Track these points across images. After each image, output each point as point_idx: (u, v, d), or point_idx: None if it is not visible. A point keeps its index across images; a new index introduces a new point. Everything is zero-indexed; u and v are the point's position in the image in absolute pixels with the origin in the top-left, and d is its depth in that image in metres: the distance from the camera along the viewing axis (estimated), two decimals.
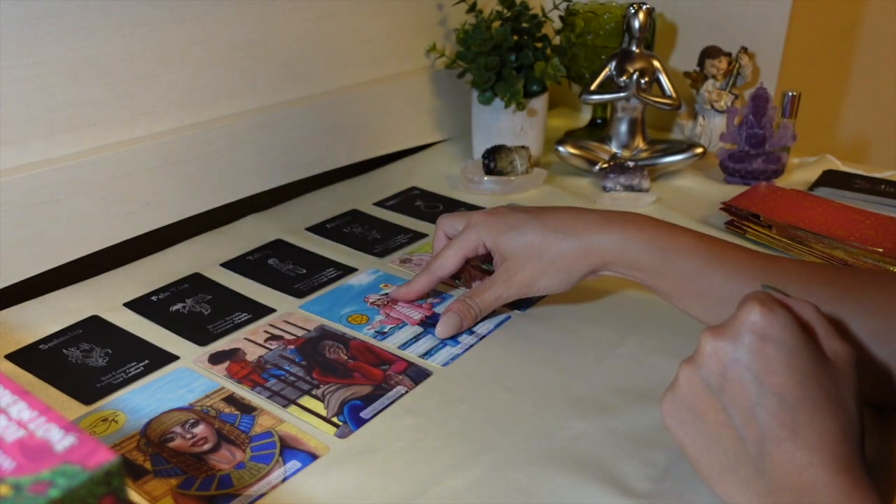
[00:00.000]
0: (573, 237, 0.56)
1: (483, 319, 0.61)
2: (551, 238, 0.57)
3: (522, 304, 0.64)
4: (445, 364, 0.56)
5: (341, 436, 0.49)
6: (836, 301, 0.49)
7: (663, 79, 0.91)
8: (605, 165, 0.89)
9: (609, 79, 0.91)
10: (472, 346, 0.59)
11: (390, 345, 0.58)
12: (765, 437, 0.38)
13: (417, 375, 0.55)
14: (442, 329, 0.59)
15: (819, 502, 0.36)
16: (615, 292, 0.66)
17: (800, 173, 0.93)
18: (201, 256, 0.72)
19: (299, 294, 0.66)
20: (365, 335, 0.60)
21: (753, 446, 0.39)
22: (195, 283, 0.67)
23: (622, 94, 0.89)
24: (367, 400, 0.52)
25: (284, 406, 0.51)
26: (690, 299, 0.54)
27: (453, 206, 0.84)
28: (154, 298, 0.65)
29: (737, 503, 0.40)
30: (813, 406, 0.38)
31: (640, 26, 0.90)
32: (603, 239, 0.56)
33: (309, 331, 0.60)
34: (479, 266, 0.68)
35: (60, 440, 0.29)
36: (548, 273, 0.57)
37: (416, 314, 0.62)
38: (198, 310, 0.63)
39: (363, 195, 0.86)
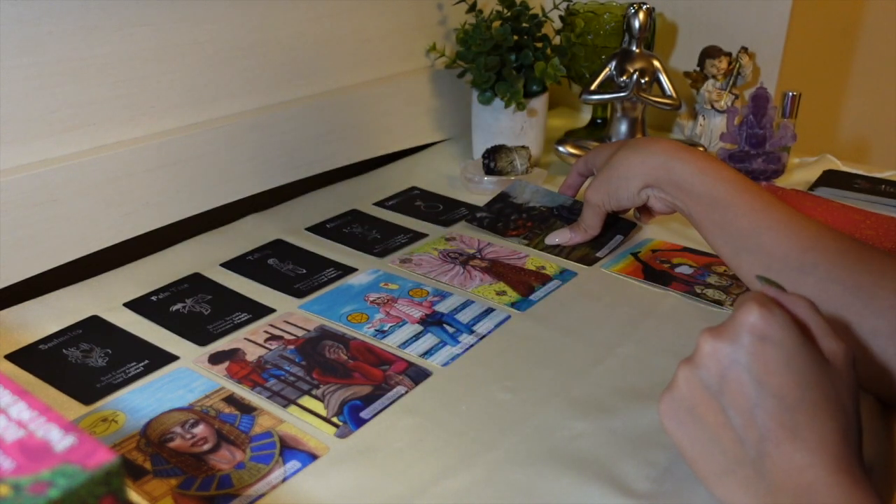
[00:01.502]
0: (637, 151, 0.66)
1: (483, 318, 0.61)
2: (622, 150, 0.67)
3: (524, 303, 0.64)
4: (445, 364, 0.56)
5: (341, 436, 0.49)
6: (862, 287, 0.50)
7: (663, 79, 0.91)
8: None
9: (609, 79, 0.91)
10: (472, 346, 0.59)
11: (390, 343, 0.58)
12: (764, 438, 0.38)
13: (417, 375, 0.55)
14: (551, 236, 0.74)
15: (819, 502, 0.36)
16: (615, 292, 0.66)
17: (800, 173, 0.93)
18: (201, 256, 0.72)
19: (299, 294, 0.66)
20: (365, 334, 0.60)
21: (753, 447, 0.39)
22: (195, 283, 0.67)
23: (622, 94, 0.89)
24: (367, 400, 0.52)
25: (284, 406, 0.51)
26: (713, 228, 0.59)
27: (453, 206, 0.84)
28: (154, 298, 0.65)
29: (732, 501, 0.40)
30: (812, 407, 0.38)
31: (640, 26, 0.89)
32: (656, 157, 0.64)
33: (309, 331, 0.60)
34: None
35: (60, 440, 0.29)
36: (614, 181, 0.67)
37: (417, 313, 0.62)
38: (198, 310, 0.63)
39: (363, 195, 0.86)
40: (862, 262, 0.51)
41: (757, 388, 0.38)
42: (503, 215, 0.78)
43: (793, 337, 0.39)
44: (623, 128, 0.93)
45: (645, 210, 0.71)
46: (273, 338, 0.59)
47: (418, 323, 0.61)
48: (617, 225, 0.76)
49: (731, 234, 0.58)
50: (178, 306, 0.63)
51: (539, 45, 0.91)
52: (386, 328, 0.60)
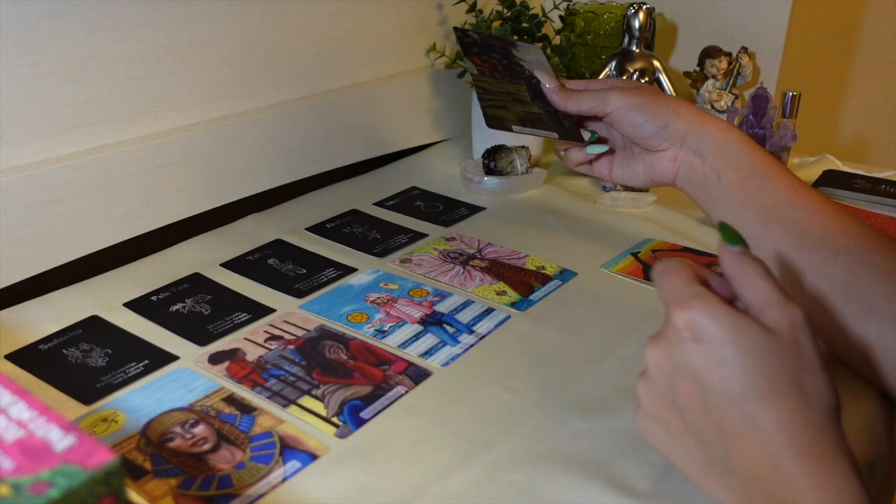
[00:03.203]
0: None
1: (483, 318, 0.61)
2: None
3: (524, 303, 0.64)
4: (445, 364, 0.56)
5: (341, 436, 0.49)
6: (891, 272, 0.49)
7: (663, 79, 0.91)
8: None
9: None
10: (472, 346, 0.59)
11: (390, 343, 0.58)
12: (722, 435, 0.37)
13: (417, 375, 0.55)
14: (540, 74, 0.67)
15: (788, 489, 0.35)
16: (615, 292, 0.66)
17: (800, 173, 0.93)
18: (201, 256, 0.72)
19: (299, 294, 0.66)
20: (365, 334, 0.60)
21: (715, 447, 0.38)
22: (195, 283, 0.67)
23: None
24: (367, 400, 0.52)
25: (284, 406, 0.51)
26: (744, 198, 0.58)
27: (453, 205, 0.84)
28: (154, 298, 0.65)
29: (723, 501, 0.39)
30: (759, 394, 0.36)
31: (640, 26, 0.90)
32: (704, 114, 0.62)
33: (309, 331, 0.60)
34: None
35: (60, 440, 0.29)
36: (653, 103, 0.62)
37: (416, 312, 0.62)
38: (198, 310, 0.63)
39: (363, 195, 0.86)
40: (893, 250, 0.51)
41: (701, 389, 0.37)
42: (488, 46, 0.69)
43: (724, 327, 0.37)
44: None
45: (622, 162, 0.67)
46: (273, 338, 0.59)
47: (418, 323, 0.61)
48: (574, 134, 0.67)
49: (765, 205, 0.56)
50: (178, 306, 0.63)
51: (539, 45, 0.91)
52: (386, 328, 0.60)
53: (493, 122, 0.65)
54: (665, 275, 0.40)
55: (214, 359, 0.57)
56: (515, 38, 0.64)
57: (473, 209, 0.83)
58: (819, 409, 0.36)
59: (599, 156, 0.68)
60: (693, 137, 0.61)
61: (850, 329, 0.51)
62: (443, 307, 0.63)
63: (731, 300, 0.39)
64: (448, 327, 0.61)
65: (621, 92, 0.62)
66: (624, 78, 0.69)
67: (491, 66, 0.68)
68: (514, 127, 0.65)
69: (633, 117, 0.62)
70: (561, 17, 1.00)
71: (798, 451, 0.35)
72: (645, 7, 0.89)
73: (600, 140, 0.68)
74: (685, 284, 0.39)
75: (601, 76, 0.91)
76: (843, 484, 0.35)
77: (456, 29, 0.69)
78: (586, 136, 0.67)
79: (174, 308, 0.63)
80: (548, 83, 0.66)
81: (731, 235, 0.41)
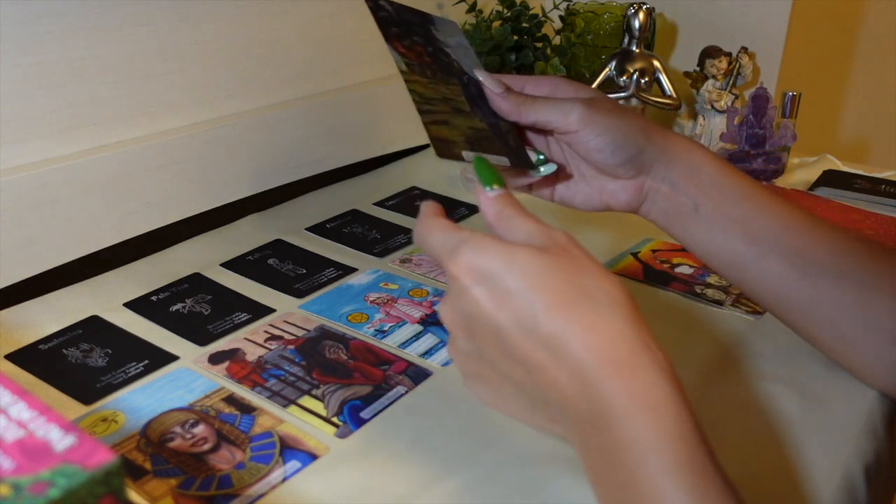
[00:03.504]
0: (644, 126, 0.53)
1: None
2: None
3: None
4: (445, 364, 0.56)
5: (341, 436, 0.49)
6: (862, 256, 0.49)
7: (663, 79, 0.91)
8: None
9: (609, 79, 0.91)
10: None
11: (390, 343, 0.58)
12: (529, 369, 0.36)
13: (417, 375, 0.55)
14: (480, 73, 0.51)
15: (600, 404, 0.34)
16: None
17: (800, 173, 0.93)
18: (201, 256, 0.72)
19: (299, 294, 0.66)
20: (365, 334, 0.60)
21: (527, 384, 0.37)
22: (195, 283, 0.67)
23: (622, 94, 0.89)
24: (367, 400, 0.52)
25: (284, 406, 0.51)
26: (731, 226, 0.51)
27: (453, 205, 0.84)
28: (154, 298, 0.65)
29: (555, 433, 0.38)
30: (550, 312, 0.35)
31: (640, 26, 0.90)
32: (671, 135, 0.53)
33: (309, 331, 0.60)
34: None
35: (60, 440, 0.29)
36: (607, 121, 0.51)
37: (417, 313, 0.62)
38: (198, 310, 0.63)
39: (363, 195, 0.86)
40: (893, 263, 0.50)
41: (497, 331, 0.36)
42: (407, 28, 0.51)
43: (497, 258, 0.36)
44: None
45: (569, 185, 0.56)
46: (273, 338, 0.59)
47: (418, 323, 0.61)
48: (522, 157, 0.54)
49: (754, 234, 0.51)
50: (178, 306, 0.63)
51: (539, 45, 0.91)
52: (386, 328, 0.60)
53: (441, 148, 0.56)
54: (425, 235, 0.39)
55: (214, 359, 0.57)
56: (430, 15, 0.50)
57: (473, 209, 0.83)
58: (610, 308, 0.35)
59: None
60: (661, 164, 0.52)
61: (875, 354, 0.50)
62: None
63: None
64: None
65: (588, 108, 0.51)
66: (575, 84, 0.54)
67: (417, 56, 0.53)
68: (463, 153, 0.54)
69: (601, 142, 0.51)
70: (561, 17, 1.00)
71: (599, 362, 0.34)
72: (645, 7, 0.89)
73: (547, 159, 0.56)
74: (448, 235, 0.38)
75: (601, 77, 0.91)
76: (650, 387, 0.34)
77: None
78: (533, 156, 0.54)
79: (174, 308, 0.63)
80: (493, 87, 0.52)
81: (487, 175, 0.39)
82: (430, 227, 0.39)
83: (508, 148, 0.52)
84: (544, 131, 0.55)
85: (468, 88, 0.52)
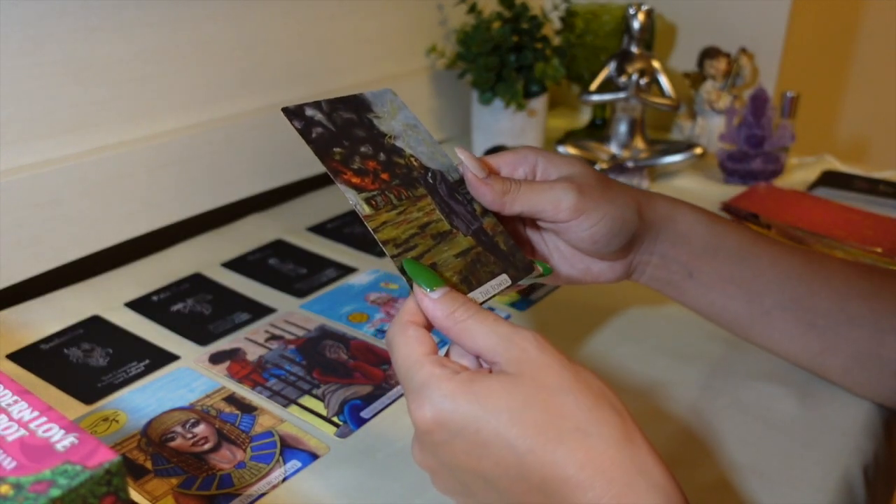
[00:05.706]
0: (630, 196, 0.48)
1: None
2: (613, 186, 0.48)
3: (523, 303, 0.64)
4: None
5: (342, 435, 0.49)
6: (869, 298, 0.48)
7: (663, 79, 0.91)
8: (605, 166, 0.89)
9: (609, 79, 0.92)
10: None
11: None
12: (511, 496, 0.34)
13: None
14: (462, 152, 0.44)
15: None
16: (615, 293, 0.67)
17: (799, 173, 0.93)
18: (202, 256, 0.72)
19: (300, 294, 0.66)
20: (365, 333, 0.60)
21: None
22: (196, 283, 0.67)
23: (622, 95, 0.89)
24: (368, 399, 0.52)
25: (285, 406, 0.52)
26: (729, 287, 0.49)
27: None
28: (155, 298, 0.65)
29: None
30: (536, 454, 0.33)
31: (640, 27, 0.90)
32: (658, 204, 0.49)
33: (309, 330, 0.60)
34: None
35: (61, 440, 0.29)
36: (605, 207, 0.45)
37: None
38: (198, 310, 0.63)
39: None
40: None
41: (485, 480, 0.35)
42: (348, 136, 0.43)
43: (466, 411, 0.34)
44: (623, 128, 0.93)
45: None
46: (273, 337, 0.59)
47: None
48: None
49: (755, 292, 0.49)
50: (179, 306, 0.64)
51: (539, 45, 0.91)
52: (386, 328, 0.61)
53: None
54: (395, 346, 0.37)
55: (215, 358, 0.57)
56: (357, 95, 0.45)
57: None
58: (598, 437, 0.33)
59: None
60: (650, 239, 0.49)
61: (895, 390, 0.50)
62: None
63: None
64: None
65: (581, 196, 0.44)
66: (548, 155, 0.47)
67: (373, 178, 0.42)
68: (469, 296, 0.40)
69: (596, 232, 0.45)
70: (561, 18, 1.00)
71: (595, 500, 0.32)
72: (645, 8, 0.89)
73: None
74: (413, 366, 0.35)
75: (600, 77, 0.92)
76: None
77: (286, 110, 0.43)
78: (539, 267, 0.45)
79: (175, 308, 0.63)
80: (475, 170, 0.43)
81: (423, 277, 0.35)
82: (402, 339, 0.36)
83: (502, 257, 0.43)
84: (524, 219, 0.48)
85: (437, 190, 0.43)
